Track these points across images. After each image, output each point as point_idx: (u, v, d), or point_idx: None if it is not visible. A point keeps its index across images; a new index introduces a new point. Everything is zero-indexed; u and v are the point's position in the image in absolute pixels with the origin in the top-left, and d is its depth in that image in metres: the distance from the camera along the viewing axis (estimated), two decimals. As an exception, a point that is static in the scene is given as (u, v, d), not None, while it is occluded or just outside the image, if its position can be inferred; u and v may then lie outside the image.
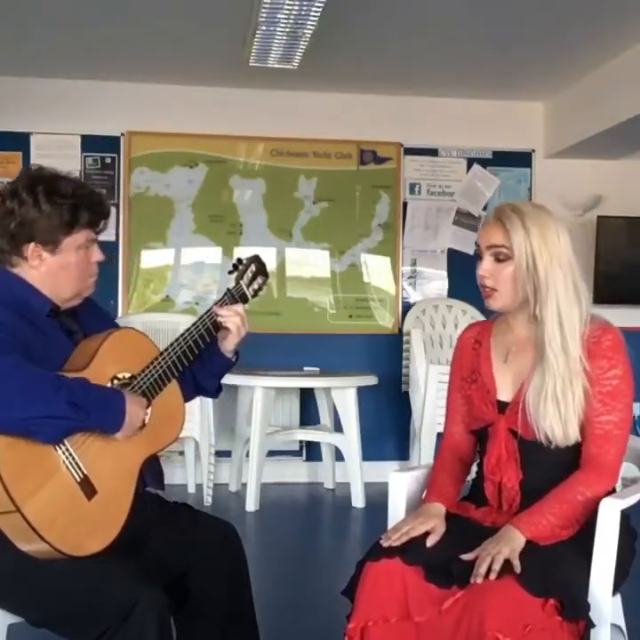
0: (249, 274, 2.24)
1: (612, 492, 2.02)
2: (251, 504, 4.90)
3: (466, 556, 1.89)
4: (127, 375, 2.00)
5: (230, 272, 2.25)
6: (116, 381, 1.98)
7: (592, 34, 4.53)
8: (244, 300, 2.21)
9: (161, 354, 2.05)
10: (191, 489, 5.34)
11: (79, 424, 1.81)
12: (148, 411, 1.99)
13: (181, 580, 2.09)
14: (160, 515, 2.12)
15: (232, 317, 2.15)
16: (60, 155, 5.45)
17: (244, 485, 5.06)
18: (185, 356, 2.07)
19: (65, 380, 1.81)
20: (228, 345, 2.20)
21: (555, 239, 2.02)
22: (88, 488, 1.85)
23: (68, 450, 1.84)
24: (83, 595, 1.82)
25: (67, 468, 1.83)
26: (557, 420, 1.97)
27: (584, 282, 2.06)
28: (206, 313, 2.14)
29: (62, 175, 2.05)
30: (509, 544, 1.88)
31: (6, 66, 5.18)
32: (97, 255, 2.09)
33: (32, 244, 1.99)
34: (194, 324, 2.11)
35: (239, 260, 2.25)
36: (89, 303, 2.16)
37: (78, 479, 1.84)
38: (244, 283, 2.22)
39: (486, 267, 2.07)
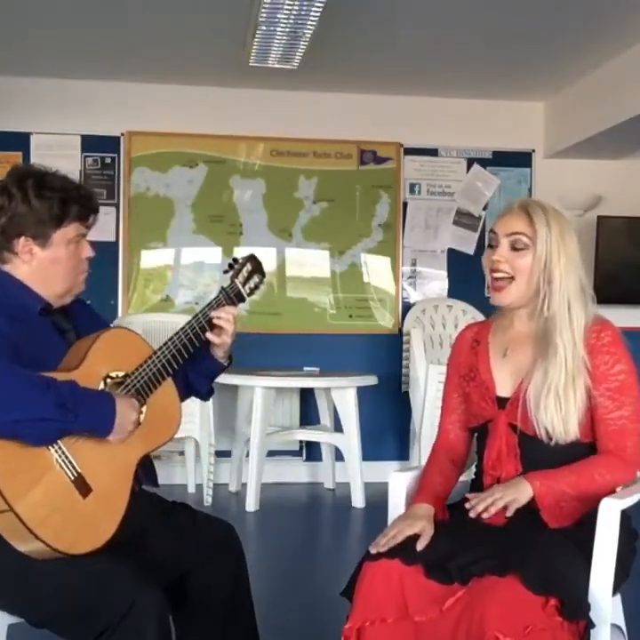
0: (245, 273, 2.22)
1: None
2: (251, 504, 4.90)
3: (470, 495, 1.98)
4: (120, 374, 1.99)
5: (225, 272, 2.24)
6: (109, 380, 1.97)
7: (592, 34, 4.53)
8: (240, 298, 2.20)
9: (154, 352, 2.05)
10: (191, 489, 5.34)
11: (68, 426, 1.80)
12: (143, 409, 1.99)
13: (181, 580, 2.09)
14: (159, 514, 2.12)
15: (223, 314, 2.14)
16: (60, 155, 5.45)
17: (244, 485, 5.06)
18: (180, 354, 2.06)
19: (52, 382, 1.80)
20: (219, 351, 2.19)
21: (571, 241, 2.04)
22: (82, 486, 1.85)
23: (60, 448, 1.83)
24: (82, 595, 1.82)
25: (60, 466, 1.83)
26: (558, 416, 1.98)
27: (591, 286, 2.08)
28: (200, 311, 2.13)
29: (50, 171, 2.05)
30: (514, 493, 1.92)
31: (6, 66, 5.18)
32: (87, 251, 2.08)
33: (22, 239, 1.99)
34: (188, 323, 2.11)
35: (235, 260, 2.25)
36: (81, 303, 2.17)
37: (72, 477, 1.84)
38: (239, 281, 2.21)
39: (502, 252, 2.04)
